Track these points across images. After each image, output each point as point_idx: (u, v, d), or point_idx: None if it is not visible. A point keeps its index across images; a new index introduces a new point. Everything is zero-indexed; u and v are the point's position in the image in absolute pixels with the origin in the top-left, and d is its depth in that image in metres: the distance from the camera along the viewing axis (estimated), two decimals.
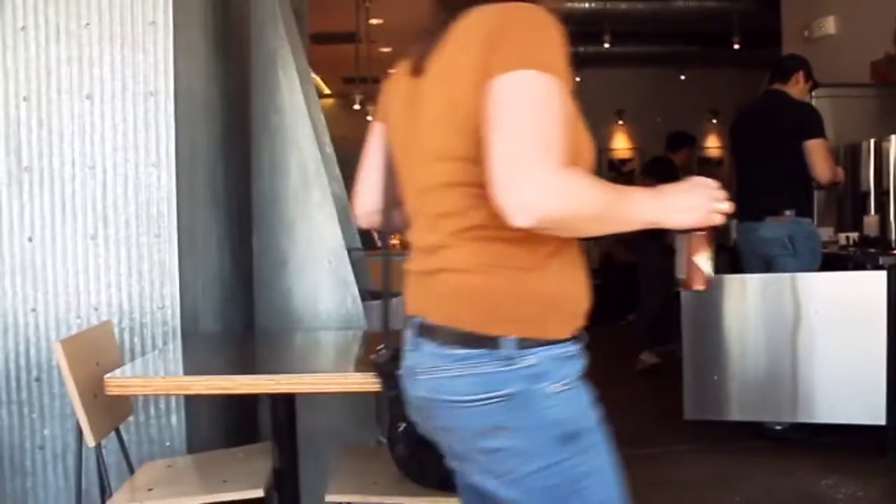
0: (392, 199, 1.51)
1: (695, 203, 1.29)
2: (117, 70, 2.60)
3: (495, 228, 1.21)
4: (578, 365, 1.30)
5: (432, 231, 1.32)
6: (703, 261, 1.41)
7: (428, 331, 1.31)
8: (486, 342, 1.24)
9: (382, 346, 1.55)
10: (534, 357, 1.24)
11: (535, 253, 1.27)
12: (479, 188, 1.21)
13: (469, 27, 1.26)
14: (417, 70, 1.36)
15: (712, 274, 1.42)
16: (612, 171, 10.42)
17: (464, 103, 1.23)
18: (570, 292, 1.32)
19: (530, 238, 1.21)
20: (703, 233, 1.37)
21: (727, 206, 1.32)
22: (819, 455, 3.67)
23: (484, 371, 1.24)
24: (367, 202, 1.60)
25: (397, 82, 1.46)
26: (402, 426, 1.51)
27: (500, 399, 1.23)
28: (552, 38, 1.20)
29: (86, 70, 2.60)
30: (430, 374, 1.30)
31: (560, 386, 1.25)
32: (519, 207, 1.12)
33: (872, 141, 4.49)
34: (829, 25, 6.04)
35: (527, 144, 1.13)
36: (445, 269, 1.30)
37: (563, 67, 1.19)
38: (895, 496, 3.35)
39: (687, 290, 1.52)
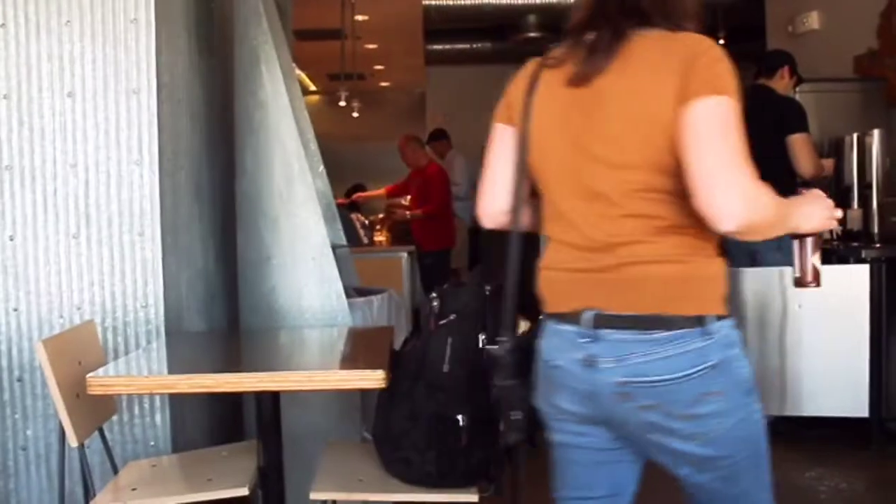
0: (520, 199, 1.61)
1: (817, 211, 1.56)
2: (99, 67, 2.58)
3: (689, 226, 1.43)
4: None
5: (612, 230, 1.46)
6: (817, 260, 1.67)
7: (610, 320, 1.44)
8: (692, 322, 1.42)
9: (506, 337, 1.63)
10: (725, 329, 1.45)
11: (713, 243, 1.49)
12: (665, 193, 1.43)
13: (657, 52, 1.43)
14: (580, 81, 1.47)
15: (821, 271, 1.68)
16: None
17: (661, 120, 1.39)
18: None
19: (708, 231, 1.42)
20: (817, 236, 1.64)
21: (839, 213, 1.59)
22: (804, 448, 3.69)
23: (692, 347, 1.41)
24: (497, 202, 1.65)
25: (548, 90, 1.54)
26: (518, 415, 1.62)
27: (708, 369, 1.42)
28: (730, 67, 1.40)
29: (67, 67, 2.58)
30: (627, 360, 1.43)
31: (740, 349, 1.47)
32: (727, 215, 1.33)
33: (855, 135, 4.51)
34: (813, 20, 6.07)
35: (729, 160, 1.34)
36: (637, 263, 1.44)
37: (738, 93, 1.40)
38: (879, 488, 3.38)
39: (802, 287, 1.75)
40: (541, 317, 1.61)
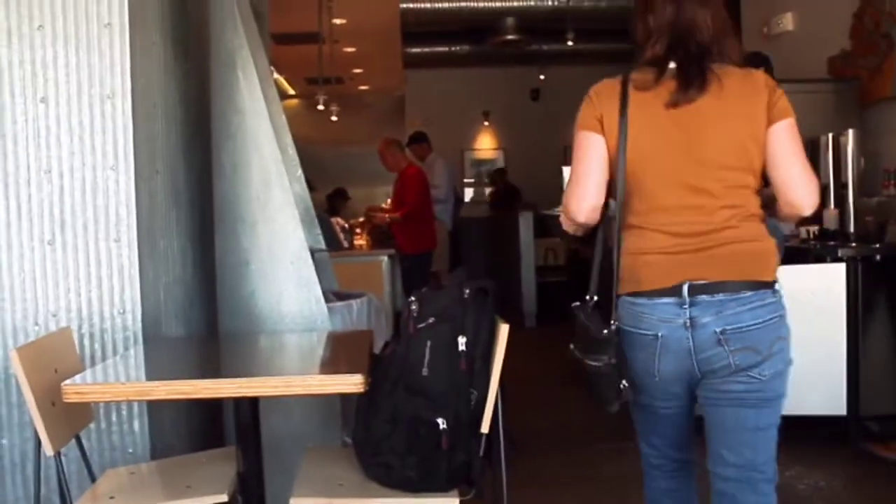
0: (605, 196, 1.99)
1: None
2: (72, 73, 2.55)
3: (759, 214, 1.95)
4: None
5: (710, 219, 1.91)
6: None
7: (705, 288, 1.89)
8: (768, 285, 1.92)
9: (613, 322, 1.96)
10: (781, 290, 1.95)
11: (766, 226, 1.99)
12: (750, 189, 1.93)
13: (743, 84, 1.94)
14: (680, 104, 1.91)
15: None
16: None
17: (754, 135, 1.90)
18: None
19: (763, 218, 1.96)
20: None
21: None
22: (782, 446, 3.71)
23: (769, 301, 1.91)
24: (591, 199, 1.97)
25: (643, 109, 1.93)
26: (623, 385, 1.95)
27: (780, 318, 1.93)
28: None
29: (39, 73, 2.55)
30: (723, 314, 1.88)
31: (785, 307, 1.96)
32: (810, 205, 1.91)
33: (830, 135, 4.54)
34: (788, 22, 6.13)
35: (806, 165, 1.92)
36: (729, 243, 1.91)
37: None
38: (856, 486, 3.41)
39: None
40: (621, 295, 1.97)
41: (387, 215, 6.70)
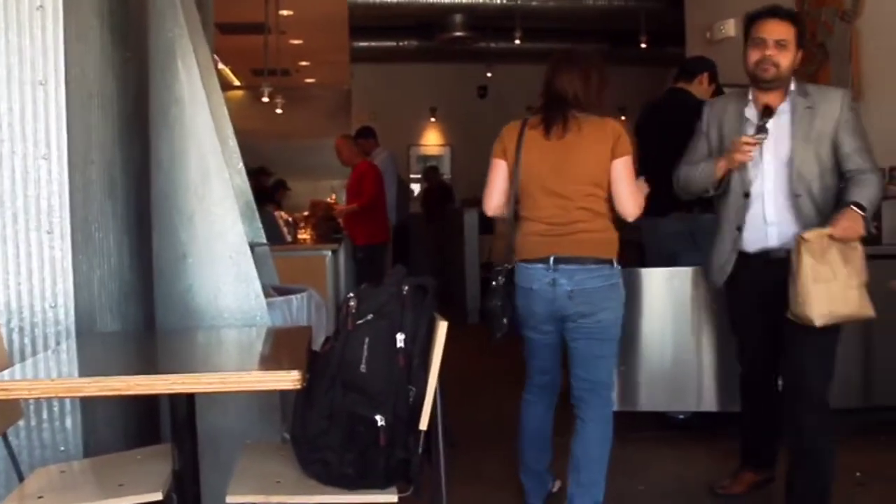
0: (509, 198, 3.01)
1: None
2: (2, 57, 2.46)
3: (606, 214, 2.94)
4: None
5: (569, 216, 2.91)
6: None
7: (565, 260, 2.89)
8: (608, 261, 2.93)
9: (501, 277, 3.03)
10: (618, 267, 2.97)
11: (614, 224, 3.00)
12: (597, 196, 2.92)
13: (597, 129, 2.93)
14: (553, 137, 2.94)
15: None
16: None
17: (601, 162, 2.90)
18: None
19: (613, 219, 2.97)
20: None
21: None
22: (721, 444, 3.78)
23: (606, 273, 2.92)
24: (497, 201, 3.05)
25: (532, 141, 2.97)
26: (504, 321, 3.02)
27: (612, 285, 2.93)
28: (629, 138, 2.95)
29: None
30: (575, 277, 2.89)
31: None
32: (633, 215, 2.95)
33: None
34: (730, 28, 6.25)
35: (633, 188, 2.94)
36: (585, 231, 2.91)
37: None
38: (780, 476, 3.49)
39: None
40: (514, 263, 3.01)
41: (341, 207, 6.77)
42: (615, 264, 2.92)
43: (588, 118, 2.91)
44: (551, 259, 2.88)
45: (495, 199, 3.03)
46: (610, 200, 2.92)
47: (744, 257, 3.10)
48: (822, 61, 5.25)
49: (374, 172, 6.77)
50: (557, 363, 3.11)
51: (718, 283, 3.21)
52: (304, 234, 6.49)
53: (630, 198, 2.90)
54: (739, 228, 3.06)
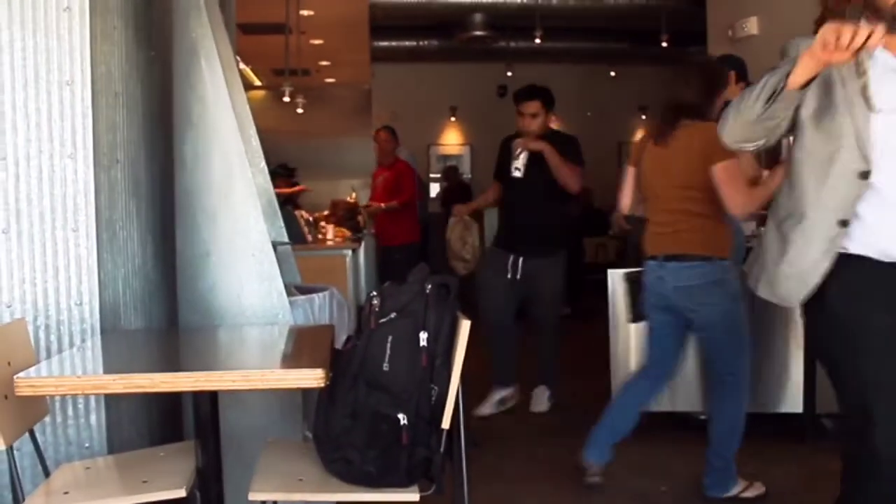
0: (639, 198, 3.41)
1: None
2: (29, 57, 2.49)
3: (705, 214, 3.15)
4: None
5: (670, 217, 3.21)
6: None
7: (670, 258, 3.19)
8: (708, 258, 3.15)
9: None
10: (718, 263, 3.20)
11: (720, 223, 3.23)
12: (696, 200, 3.16)
13: (698, 134, 3.09)
14: (660, 144, 3.25)
15: None
16: None
17: (700, 168, 3.09)
18: None
19: (718, 217, 3.17)
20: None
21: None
22: (744, 445, 3.75)
23: (707, 269, 3.15)
24: (626, 201, 3.50)
25: (647, 147, 3.33)
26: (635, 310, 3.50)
27: (711, 282, 3.16)
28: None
29: None
30: (680, 274, 3.17)
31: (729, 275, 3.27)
32: (741, 215, 3.23)
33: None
34: (752, 26, 6.21)
35: (734, 189, 3.07)
36: (682, 231, 3.17)
37: None
38: (813, 481, 3.46)
39: None
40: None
41: (382, 204, 6.75)
42: (719, 261, 3.12)
43: (695, 124, 3.12)
44: (660, 256, 3.19)
45: (623, 201, 3.50)
46: (716, 200, 3.07)
47: (857, 264, 2.09)
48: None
49: (413, 171, 6.83)
50: (669, 354, 3.34)
51: (790, 299, 2.22)
52: (323, 234, 6.49)
53: (730, 200, 3.03)
54: (844, 223, 2.07)
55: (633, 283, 3.44)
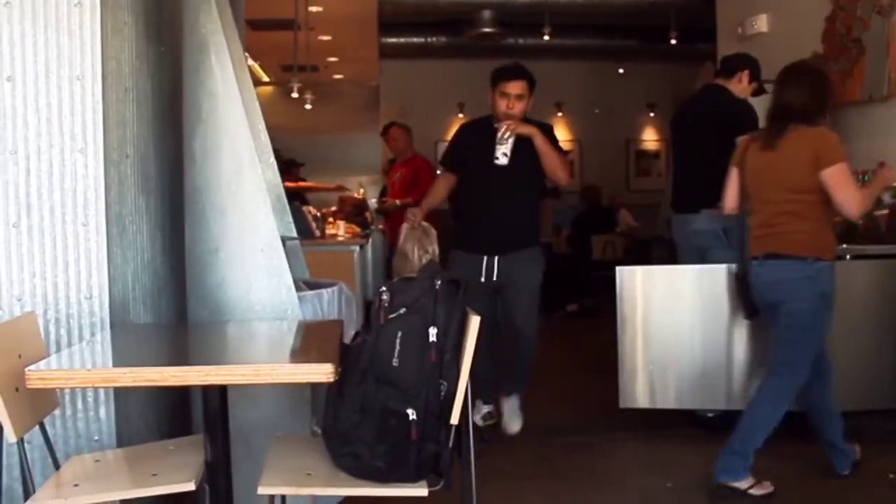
0: (744, 199, 3.50)
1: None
2: (40, 52, 2.50)
3: (813, 217, 3.25)
4: None
5: (776, 218, 3.29)
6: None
7: (771, 256, 3.29)
8: (802, 258, 3.22)
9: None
10: (815, 263, 3.26)
11: (827, 226, 3.35)
12: (804, 203, 3.23)
13: (806, 139, 3.21)
14: (768, 148, 3.30)
15: None
16: None
17: (807, 173, 3.19)
18: None
19: (824, 220, 3.30)
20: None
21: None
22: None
23: (802, 267, 3.23)
24: (730, 203, 3.55)
25: (752, 152, 3.40)
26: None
27: (807, 278, 3.24)
28: (836, 143, 3.21)
29: (6, 51, 2.49)
30: (775, 272, 3.29)
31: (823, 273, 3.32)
32: (849, 215, 3.35)
33: None
34: (762, 23, 6.18)
35: (846, 194, 3.17)
36: (785, 232, 3.25)
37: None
38: (815, 476, 3.46)
39: None
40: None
41: (398, 200, 6.73)
42: (816, 261, 3.20)
43: (803, 129, 3.20)
44: (761, 256, 3.31)
45: (728, 202, 3.56)
46: (823, 203, 3.19)
47: None
48: (858, 56, 5.17)
49: (431, 168, 6.75)
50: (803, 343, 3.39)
51: None
52: (332, 229, 6.50)
53: (842, 204, 3.16)
54: None
55: (741, 281, 3.60)
